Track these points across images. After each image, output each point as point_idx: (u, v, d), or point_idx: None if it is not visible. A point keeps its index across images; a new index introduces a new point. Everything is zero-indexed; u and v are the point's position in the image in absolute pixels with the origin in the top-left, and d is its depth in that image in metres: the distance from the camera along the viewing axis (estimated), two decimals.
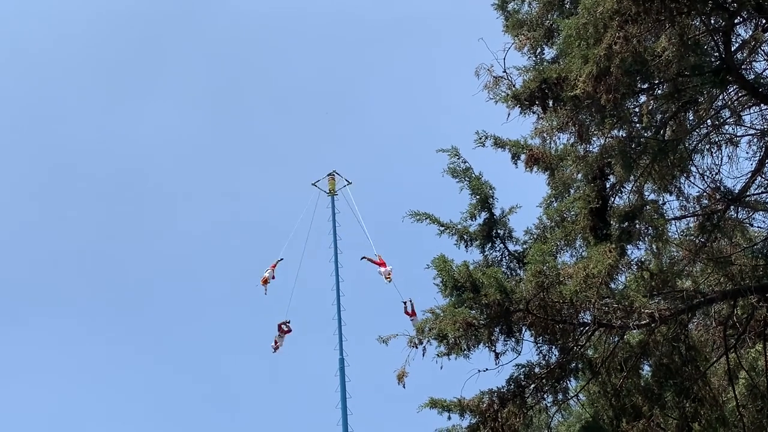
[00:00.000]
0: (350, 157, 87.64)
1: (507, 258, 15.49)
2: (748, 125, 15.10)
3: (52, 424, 75.41)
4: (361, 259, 40.97)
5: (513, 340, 13.60)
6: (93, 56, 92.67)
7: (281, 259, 42.03)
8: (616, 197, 14.60)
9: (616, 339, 14.10)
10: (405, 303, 38.50)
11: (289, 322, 41.02)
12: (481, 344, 13.37)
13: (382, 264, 39.94)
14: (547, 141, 14.88)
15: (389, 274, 39.38)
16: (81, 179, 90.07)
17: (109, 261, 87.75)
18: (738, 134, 15.12)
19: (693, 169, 14.88)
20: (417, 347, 13.27)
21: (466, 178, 15.30)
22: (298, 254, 45.29)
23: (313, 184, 45.21)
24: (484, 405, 13.73)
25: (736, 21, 13.35)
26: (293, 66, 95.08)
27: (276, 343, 40.54)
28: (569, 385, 14.52)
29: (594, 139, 14.47)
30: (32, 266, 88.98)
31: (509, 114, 14.15)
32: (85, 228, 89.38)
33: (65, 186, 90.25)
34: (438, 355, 13.36)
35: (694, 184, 15.00)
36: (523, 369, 13.99)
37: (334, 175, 45.14)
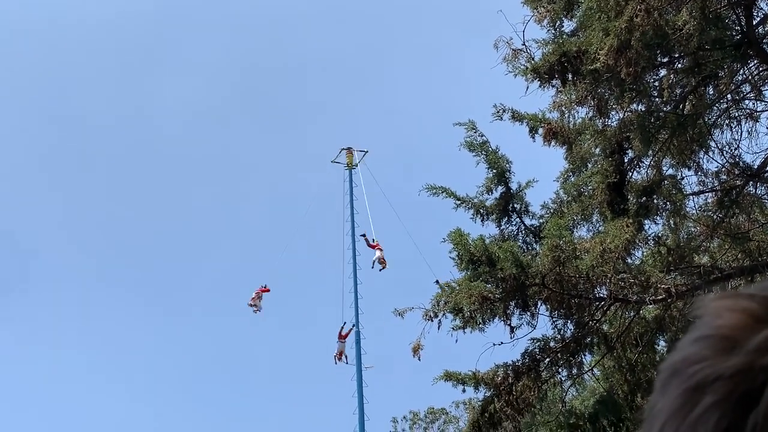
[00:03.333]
0: (367, 130, 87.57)
1: (523, 232, 15.46)
2: None
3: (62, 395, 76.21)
4: (361, 235, 41.02)
5: (528, 314, 13.60)
6: (117, 28, 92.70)
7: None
8: (634, 172, 14.52)
9: (632, 314, 14.08)
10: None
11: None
12: (497, 318, 13.38)
13: (375, 247, 39.93)
14: (566, 115, 14.78)
15: (382, 260, 39.30)
16: (100, 150, 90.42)
17: (126, 232, 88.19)
18: (758, 109, 15.00)
19: (712, 144, 14.76)
20: (432, 320, 13.29)
21: (483, 152, 15.23)
22: (314, 227, 45.41)
23: (332, 162, 45.28)
24: (499, 378, 13.77)
25: None
26: (313, 40, 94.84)
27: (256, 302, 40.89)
28: (584, 359, 14.54)
29: (613, 113, 14.37)
30: (46, 235, 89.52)
31: (528, 87, 14.06)
32: (105, 197, 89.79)
33: (84, 157, 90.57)
34: (453, 329, 13.38)
35: (712, 159, 14.91)
36: (538, 343, 13.99)
37: (350, 150, 45.16)
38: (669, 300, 13.36)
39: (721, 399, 0.80)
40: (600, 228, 14.21)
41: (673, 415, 0.84)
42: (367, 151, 45.31)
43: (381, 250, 39.66)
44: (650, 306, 13.91)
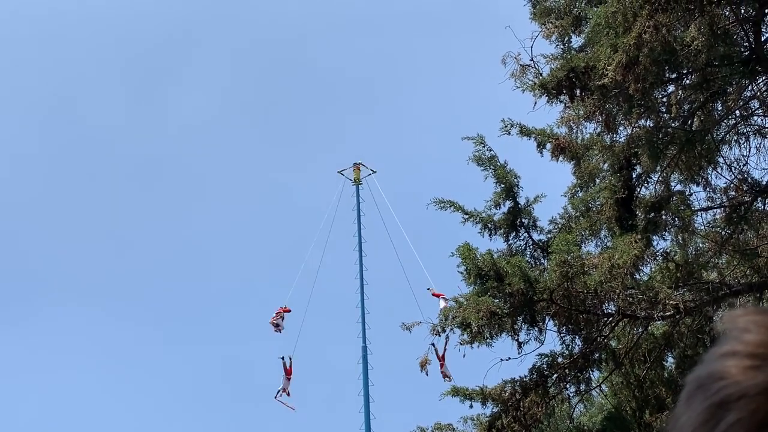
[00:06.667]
0: (375, 145, 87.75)
1: (531, 247, 15.44)
2: None
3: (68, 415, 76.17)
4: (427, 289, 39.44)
5: (536, 329, 13.57)
6: (129, 41, 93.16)
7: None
8: (643, 187, 14.51)
9: (640, 330, 14.04)
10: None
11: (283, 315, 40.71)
12: (504, 333, 13.35)
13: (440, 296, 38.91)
14: (574, 130, 14.80)
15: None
16: (109, 164, 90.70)
17: (134, 247, 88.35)
18: (766, 125, 14.98)
19: (720, 160, 14.74)
20: (440, 335, 13.28)
21: (491, 167, 15.23)
22: (323, 242, 45.51)
23: (339, 172, 45.40)
24: (507, 394, 13.72)
25: (766, 11, 13.21)
26: (323, 54, 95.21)
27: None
28: (592, 375, 14.48)
29: (621, 128, 14.38)
30: (53, 254, 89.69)
31: (536, 103, 14.08)
32: (113, 213, 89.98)
33: (93, 170, 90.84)
34: (461, 343, 13.36)
35: (721, 175, 14.88)
36: (546, 359, 13.95)
37: (359, 165, 45.26)
38: (677, 316, 13.33)
39: (745, 417, 0.81)
40: (608, 243, 14.19)
41: (697, 429, 0.85)
42: (375, 171, 45.34)
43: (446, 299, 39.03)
44: (658, 322, 13.88)
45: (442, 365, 36.63)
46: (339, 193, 44.63)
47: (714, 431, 0.83)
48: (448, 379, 36.91)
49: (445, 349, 37.22)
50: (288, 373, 39.60)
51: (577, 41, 15.33)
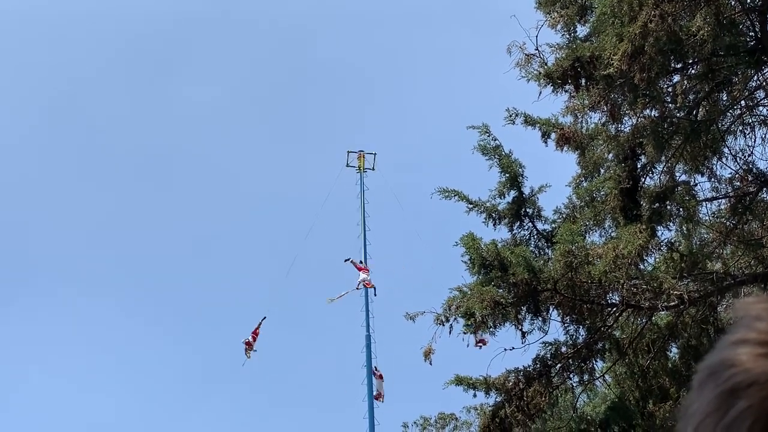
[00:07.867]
0: (379, 135, 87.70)
1: (535, 237, 15.41)
2: None
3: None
4: (345, 260, 40.67)
5: (540, 319, 13.57)
6: (132, 33, 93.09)
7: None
8: (647, 178, 14.50)
9: (644, 320, 14.03)
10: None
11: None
12: (508, 323, 13.35)
13: (362, 270, 39.59)
14: (579, 120, 14.76)
15: (367, 283, 38.99)
16: (119, 155, 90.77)
17: (141, 240, 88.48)
18: None
19: (725, 150, 14.73)
20: (444, 325, 13.27)
21: (496, 156, 15.19)
22: (327, 230, 45.56)
23: (347, 166, 45.40)
24: (510, 383, 13.73)
25: None
26: (327, 45, 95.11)
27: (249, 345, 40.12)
28: (596, 365, 14.49)
29: (626, 118, 14.35)
30: (56, 247, 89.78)
31: (541, 92, 14.05)
32: (117, 205, 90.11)
33: (104, 161, 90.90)
34: (464, 332, 13.36)
35: (726, 165, 14.87)
36: (550, 348, 13.96)
37: (362, 153, 45.31)
38: (681, 306, 13.32)
39: (755, 404, 0.81)
40: (613, 234, 14.18)
41: (708, 417, 0.85)
42: (375, 153, 45.50)
43: (368, 271, 39.79)
44: (662, 312, 13.87)
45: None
46: (353, 184, 44.67)
47: (724, 418, 0.83)
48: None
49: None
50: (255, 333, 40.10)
51: (582, 30, 15.29)
